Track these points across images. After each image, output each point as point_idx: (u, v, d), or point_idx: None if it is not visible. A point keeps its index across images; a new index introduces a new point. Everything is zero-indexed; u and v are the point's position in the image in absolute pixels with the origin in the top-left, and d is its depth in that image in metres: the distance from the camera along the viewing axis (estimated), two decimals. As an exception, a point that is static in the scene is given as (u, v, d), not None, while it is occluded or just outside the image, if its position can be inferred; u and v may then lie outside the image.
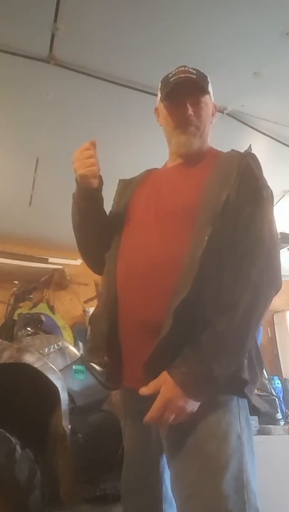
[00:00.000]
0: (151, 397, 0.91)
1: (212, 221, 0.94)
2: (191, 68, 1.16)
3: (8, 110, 2.41)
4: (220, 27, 1.85)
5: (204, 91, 1.15)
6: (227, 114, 2.39)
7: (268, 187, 1.04)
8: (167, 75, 1.17)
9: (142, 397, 0.99)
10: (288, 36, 1.88)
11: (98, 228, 1.17)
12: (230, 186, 0.98)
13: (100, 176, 1.13)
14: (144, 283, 1.01)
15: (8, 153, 2.84)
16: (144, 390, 0.90)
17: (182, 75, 1.13)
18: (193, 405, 0.87)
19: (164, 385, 0.88)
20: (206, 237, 0.92)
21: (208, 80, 1.19)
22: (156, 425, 0.92)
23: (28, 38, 1.93)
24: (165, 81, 1.18)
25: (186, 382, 0.86)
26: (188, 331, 0.89)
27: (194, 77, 1.14)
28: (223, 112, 2.37)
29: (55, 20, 1.82)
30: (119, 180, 1.32)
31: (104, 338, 1.06)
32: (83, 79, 2.12)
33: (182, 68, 1.16)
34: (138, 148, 2.55)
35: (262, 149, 2.70)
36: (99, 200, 1.18)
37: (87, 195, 1.13)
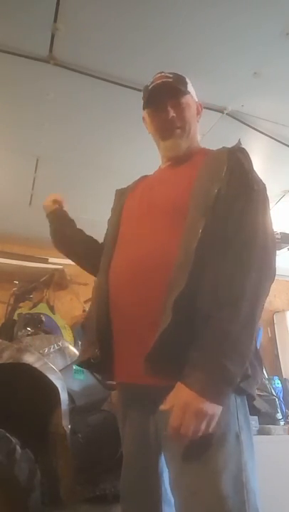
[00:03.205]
0: (149, 396, 0.90)
1: (204, 214, 0.94)
2: (169, 72, 1.19)
3: (8, 110, 2.41)
4: (220, 27, 1.85)
5: (183, 92, 1.18)
6: (227, 114, 2.38)
7: (259, 181, 1.03)
8: (146, 84, 1.21)
9: (139, 396, 1.01)
10: (288, 36, 1.88)
11: (72, 239, 1.42)
12: (221, 180, 0.97)
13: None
14: (135, 278, 1.01)
15: (8, 153, 2.84)
16: (163, 407, 0.87)
17: (159, 81, 1.16)
18: (213, 408, 0.84)
19: (178, 393, 0.85)
20: (200, 230, 0.92)
21: (187, 80, 1.21)
22: (182, 438, 0.85)
23: (28, 38, 1.93)
24: (144, 90, 1.21)
25: (205, 388, 0.83)
26: (188, 324, 0.88)
27: (171, 80, 1.16)
28: (223, 112, 2.37)
29: (55, 20, 1.82)
30: (116, 190, 1.35)
31: (96, 334, 1.05)
32: (83, 79, 2.12)
33: (159, 74, 1.19)
34: (137, 147, 2.54)
35: (262, 149, 2.70)
36: (63, 220, 1.48)
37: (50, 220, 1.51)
